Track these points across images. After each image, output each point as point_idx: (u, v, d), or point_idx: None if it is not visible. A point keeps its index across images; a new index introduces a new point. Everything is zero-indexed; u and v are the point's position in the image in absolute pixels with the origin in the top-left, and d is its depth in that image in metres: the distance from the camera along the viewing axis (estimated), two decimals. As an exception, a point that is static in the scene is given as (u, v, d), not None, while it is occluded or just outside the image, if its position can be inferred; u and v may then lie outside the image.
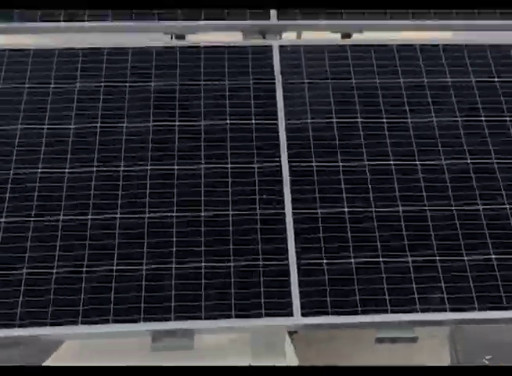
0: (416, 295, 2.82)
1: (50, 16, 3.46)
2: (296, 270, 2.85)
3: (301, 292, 2.80)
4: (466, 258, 2.90)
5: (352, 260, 2.89)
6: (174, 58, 3.41)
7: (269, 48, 3.47)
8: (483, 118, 3.27)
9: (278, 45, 3.48)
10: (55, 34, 3.45)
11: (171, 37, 3.73)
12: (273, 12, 3.58)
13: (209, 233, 2.91)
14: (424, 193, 3.06)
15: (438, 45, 3.51)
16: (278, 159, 3.13)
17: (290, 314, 2.77)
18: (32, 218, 2.92)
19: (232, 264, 2.86)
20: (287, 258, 2.87)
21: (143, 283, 2.80)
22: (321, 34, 3.69)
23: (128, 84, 3.30)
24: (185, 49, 3.44)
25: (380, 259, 2.90)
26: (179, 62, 3.39)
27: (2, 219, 2.91)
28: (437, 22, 3.59)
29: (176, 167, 3.08)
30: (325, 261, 2.88)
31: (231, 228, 2.93)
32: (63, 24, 3.44)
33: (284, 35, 3.65)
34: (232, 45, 3.48)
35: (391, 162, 3.15)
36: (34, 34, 3.44)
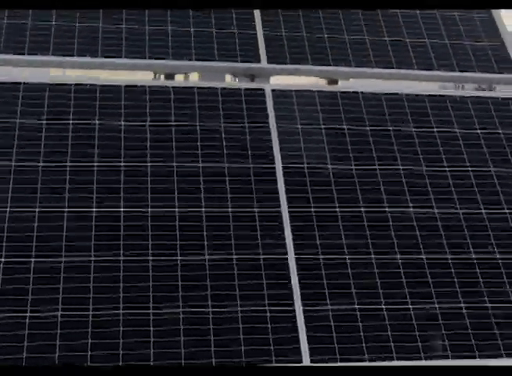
0: (419, 343, 2.87)
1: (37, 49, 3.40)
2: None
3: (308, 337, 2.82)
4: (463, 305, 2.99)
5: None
6: (168, 98, 3.39)
7: (262, 91, 3.50)
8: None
9: (270, 89, 3.51)
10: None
11: (155, 76, 3.72)
12: (263, 55, 3.61)
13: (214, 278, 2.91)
14: (420, 242, 3.13)
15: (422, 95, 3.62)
16: (278, 203, 3.15)
17: (300, 361, 2.78)
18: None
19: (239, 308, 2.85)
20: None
21: (151, 328, 2.76)
22: (301, 79, 3.75)
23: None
24: (180, 90, 3.43)
25: (383, 306, 2.95)
26: (173, 102, 3.38)
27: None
28: (420, 72, 3.70)
29: (177, 209, 3.06)
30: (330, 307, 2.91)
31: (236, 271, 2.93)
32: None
33: (272, 79, 3.69)
34: (225, 86, 3.49)
35: (386, 209, 3.21)
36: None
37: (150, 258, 2.91)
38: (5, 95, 3.23)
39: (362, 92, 3.55)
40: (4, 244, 2.83)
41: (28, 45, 3.39)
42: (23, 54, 3.36)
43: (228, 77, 3.78)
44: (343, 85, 3.66)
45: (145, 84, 3.42)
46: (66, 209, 2.95)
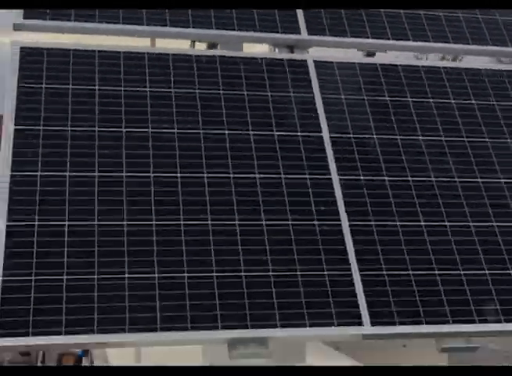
0: (472, 307, 2.95)
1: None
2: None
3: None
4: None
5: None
6: (215, 67, 3.41)
7: (304, 62, 3.53)
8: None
9: (312, 60, 3.55)
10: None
11: (192, 46, 3.72)
12: (303, 27, 3.64)
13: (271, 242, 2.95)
14: (467, 210, 3.21)
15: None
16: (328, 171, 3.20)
17: (360, 323, 2.83)
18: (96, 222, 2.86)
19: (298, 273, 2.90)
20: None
21: (216, 290, 2.79)
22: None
23: (173, 91, 3.28)
24: (225, 59, 3.45)
25: (436, 272, 3.01)
26: (220, 71, 3.40)
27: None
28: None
29: (232, 175, 3.09)
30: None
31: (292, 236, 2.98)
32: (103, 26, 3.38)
33: (310, 50, 3.72)
34: (268, 57, 3.52)
35: (432, 178, 3.28)
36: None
37: (210, 222, 2.94)
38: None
39: (400, 65, 3.61)
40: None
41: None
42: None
43: (264, 48, 3.80)
44: (380, 58, 3.71)
45: (192, 53, 3.43)
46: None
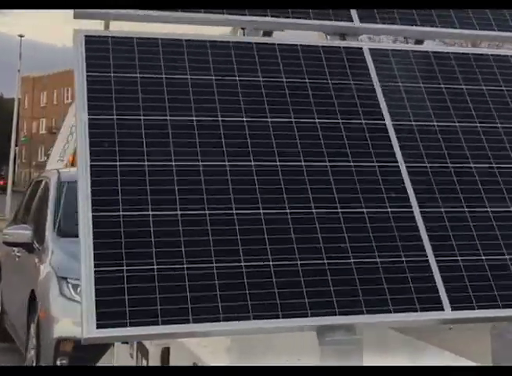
0: (544, 290, 3.01)
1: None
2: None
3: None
4: None
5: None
6: (275, 55, 3.42)
7: (360, 50, 3.56)
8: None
9: (368, 47, 3.58)
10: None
11: (243, 33, 3.72)
12: (355, 15, 3.66)
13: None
14: (530, 195, 3.27)
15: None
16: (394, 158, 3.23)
17: (441, 308, 2.88)
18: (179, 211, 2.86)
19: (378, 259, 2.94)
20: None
21: (302, 278, 2.81)
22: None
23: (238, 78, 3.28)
24: (283, 47, 3.46)
25: (507, 256, 3.08)
26: (280, 59, 3.41)
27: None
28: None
29: (304, 163, 3.12)
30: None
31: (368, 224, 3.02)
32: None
33: (360, 37, 3.75)
34: (325, 45, 3.53)
35: (493, 164, 3.34)
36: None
37: (289, 211, 2.96)
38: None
39: (452, 53, 3.65)
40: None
41: None
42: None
43: (315, 35, 3.82)
44: (429, 45, 3.75)
45: (251, 41, 3.44)
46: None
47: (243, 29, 3.68)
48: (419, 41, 3.78)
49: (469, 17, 3.84)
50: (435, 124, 3.40)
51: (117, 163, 2.92)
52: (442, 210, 3.14)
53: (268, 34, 3.59)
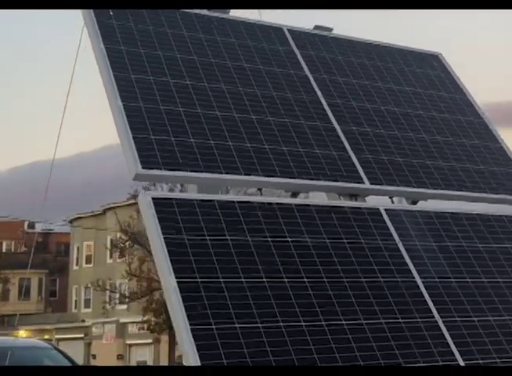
0: None
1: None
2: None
3: None
4: None
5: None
6: (312, 216, 3.68)
7: (377, 210, 3.90)
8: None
9: (383, 208, 3.92)
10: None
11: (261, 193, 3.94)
12: (364, 177, 4.01)
13: None
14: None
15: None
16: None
17: None
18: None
19: None
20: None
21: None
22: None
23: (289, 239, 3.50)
24: (319, 208, 3.73)
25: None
26: (319, 220, 3.67)
27: None
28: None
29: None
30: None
31: None
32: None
33: (367, 198, 4.09)
34: (341, 205, 3.84)
35: None
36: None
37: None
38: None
39: (451, 213, 4.09)
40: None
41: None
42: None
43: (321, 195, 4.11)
44: (422, 205, 4.17)
45: (292, 202, 3.68)
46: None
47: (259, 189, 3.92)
48: (414, 202, 4.19)
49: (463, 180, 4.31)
50: (453, 280, 3.77)
51: (213, 327, 3.03)
52: (481, 362, 3.47)
53: (295, 195, 3.86)
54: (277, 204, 3.65)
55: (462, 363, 3.44)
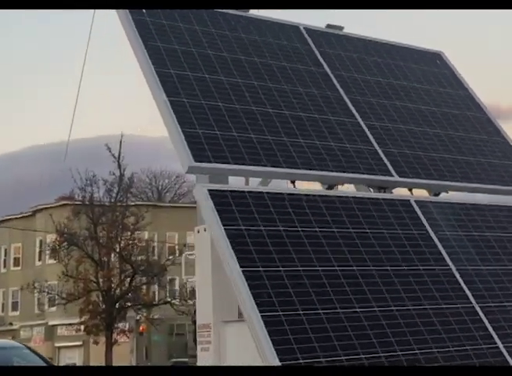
0: None
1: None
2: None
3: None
4: None
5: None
6: (352, 207, 3.80)
7: (407, 202, 4.04)
8: None
9: (414, 200, 4.07)
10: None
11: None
12: (393, 171, 4.16)
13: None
14: None
15: None
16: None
17: None
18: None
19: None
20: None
21: None
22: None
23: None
24: (357, 199, 3.86)
25: None
26: (358, 211, 3.80)
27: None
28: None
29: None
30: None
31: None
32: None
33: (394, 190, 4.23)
34: (376, 197, 3.98)
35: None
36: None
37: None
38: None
39: (472, 204, 4.26)
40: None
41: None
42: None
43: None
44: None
45: (333, 194, 3.80)
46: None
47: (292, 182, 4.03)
48: (436, 194, 4.35)
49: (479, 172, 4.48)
50: (483, 267, 3.94)
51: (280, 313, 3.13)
52: (520, 347, 3.64)
53: (331, 187, 3.98)
54: (320, 196, 3.76)
55: (501, 347, 3.60)
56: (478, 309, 3.72)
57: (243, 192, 3.54)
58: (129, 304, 31.06)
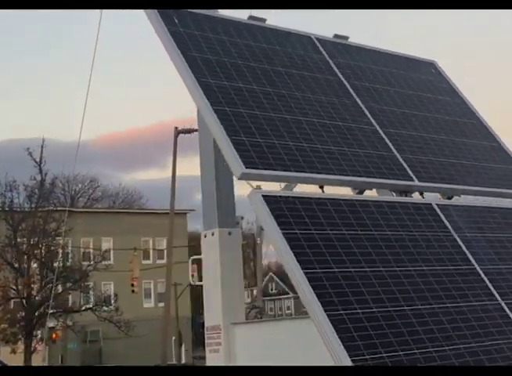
0: None
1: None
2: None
3: None
4: None
5: None
6: (385, 211, 4.02)
7: (430, 205, 4.28)
8: None
9: (435, 203, 4.31)
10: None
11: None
12: (413, 175, 4.39)
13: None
14: None
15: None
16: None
17: None
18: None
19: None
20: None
21: None
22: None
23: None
24: (388, 203, 4.07)
25: None
26: (391, 215, 4.02)
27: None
28: (496, 190, 4.78)
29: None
30: None
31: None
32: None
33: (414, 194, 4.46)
34: (404, 201, 4.20)
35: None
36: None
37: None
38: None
39: (485, 207, 4.53)
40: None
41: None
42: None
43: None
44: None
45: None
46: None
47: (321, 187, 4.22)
48: (449, 198, 4.60)
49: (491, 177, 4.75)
50: (502, 267, 4.20)
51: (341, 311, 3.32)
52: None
53: (361, 192, 4.19)
54: (357, 200, 3.96)
55: (529, 341, 3.86)
56: (504, 305, 3.97)
57: (293, 198, 3.71)
58: (51, 311, 30.24)
